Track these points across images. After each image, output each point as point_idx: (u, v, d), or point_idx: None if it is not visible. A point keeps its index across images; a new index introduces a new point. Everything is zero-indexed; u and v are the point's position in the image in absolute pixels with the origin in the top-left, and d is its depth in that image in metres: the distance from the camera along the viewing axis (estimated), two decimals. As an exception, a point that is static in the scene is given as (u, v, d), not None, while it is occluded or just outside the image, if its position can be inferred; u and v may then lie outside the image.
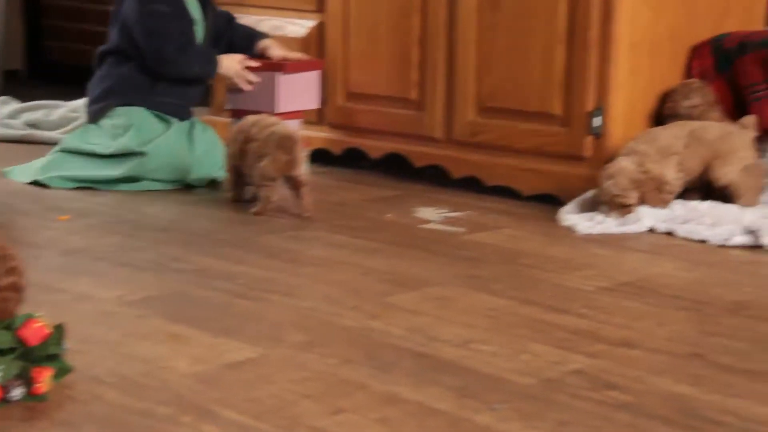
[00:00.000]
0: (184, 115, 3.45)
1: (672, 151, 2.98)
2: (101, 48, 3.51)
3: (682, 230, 2.85)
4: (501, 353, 1.96)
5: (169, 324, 2.09)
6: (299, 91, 3.51)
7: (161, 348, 1.96)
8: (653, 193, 2.94)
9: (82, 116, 3.95)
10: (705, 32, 3.29)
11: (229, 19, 3.63)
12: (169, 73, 3.37)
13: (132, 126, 3.35)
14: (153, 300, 2.24)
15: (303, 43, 3.70)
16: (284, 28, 3.77)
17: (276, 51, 3.53)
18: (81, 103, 4.09)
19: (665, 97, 3.19)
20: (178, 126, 3.38)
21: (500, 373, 1.86)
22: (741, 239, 2.74)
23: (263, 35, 3.59)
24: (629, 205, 2.92)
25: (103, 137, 3.37)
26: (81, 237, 2.75)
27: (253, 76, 3.40)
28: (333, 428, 1.63)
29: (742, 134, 3.01)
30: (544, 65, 3.18)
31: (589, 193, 3.06)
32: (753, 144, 3.03)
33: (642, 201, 2.94)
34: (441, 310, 2.21)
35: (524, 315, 2.18)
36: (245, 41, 3.55)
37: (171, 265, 2.51)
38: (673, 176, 2.97)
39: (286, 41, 3.67)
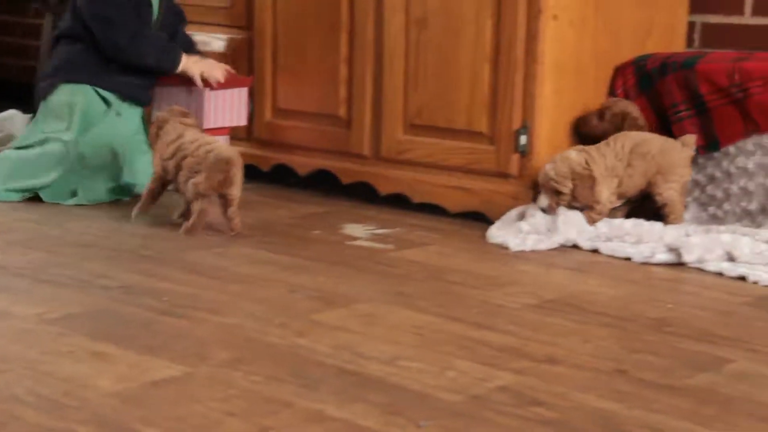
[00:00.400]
0: (142, 97, 3.41)
1: (615, 173, 3.03)
2: (56, 32, 3.48)
3: (606, 248, 2.89)
4: (427, 370, 1.96)
5: (92, 342, 2.05)
6: (227, 108, 3.49)
7: (82, 366, 1.92)
8: (587, 191, 2.98)
9: (6, 129, 3.90)
10: (628, 53, 3.35)
11: (182, 19, 3.59)
12: (123, 61, 3.34)
13: (76, 106, 3.31)
14: (75, 317, 2.20)
15: (229, 59, 3.69)
16: (210, 44, 3.75)
17: (194, 69, 3.49)
18: (6, 115, 4.03)
19: (585, 118, 3.23)
20: (125, 116, 3.36)
21: (427, 390, 1.86)
22: (663, 257, 2.79)
23: (198, 51, 3.57)
24: (561, 194, 2.96)
25: (36, 133, 3.35)
26: (1, 253, 2.69)
27: (214, 80, 3.36)
28: (258, 447, 1.61)
29: (682, 151, 3.08)
30: (471, 83, 3.21)
31: (516, 210, 3.09)
32: (690, 163, 3.09)
33: (573, 196, 2.97)
34: (368, 327, 2.21)
35: (451, 332, 2.19)
36: (183, 48, 3.52)
37: (94, 281, 2.47)
38: (607, 197, 3.02)
39: (213, 56, 3.64)
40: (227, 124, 3.50)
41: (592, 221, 2.99)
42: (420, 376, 1.93)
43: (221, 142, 3.06)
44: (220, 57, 3.68)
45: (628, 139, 3.08)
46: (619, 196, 3.10)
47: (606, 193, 3.02)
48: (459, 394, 1.85)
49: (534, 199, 3.07)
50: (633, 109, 3.22)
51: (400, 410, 1.77)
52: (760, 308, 2.41)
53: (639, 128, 3.17)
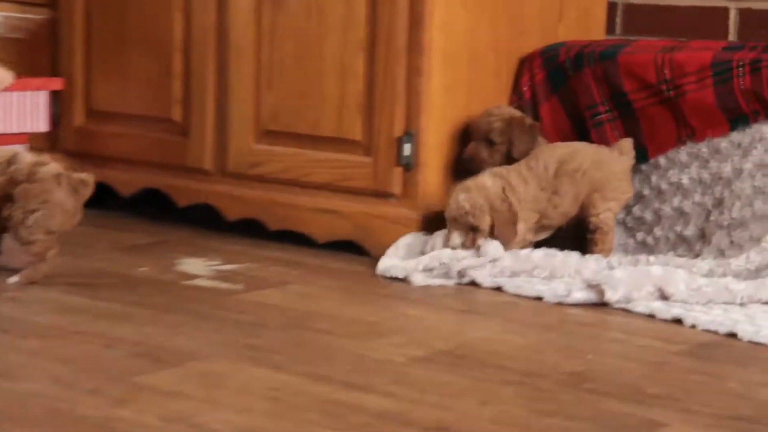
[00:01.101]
0: None
1: (537, 206, 3.08)
2: None
3: (511, 285, 2.92)
4: (285, 445, 1.95)
5: None
6: (21, 111, 3.44)
7: None
8: (508, 227, 3.01)
9: None
10: (536, 41, 3.42)
11: None
12: None
13: None
14: None
15: (29, 45, 3.62)
16: (3, 25, 3.68)
17: None
18: None
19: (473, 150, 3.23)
20: None
21: (284, 471, 1.85)
22: (582, 295, 2.84)
23: None
24: (478, 230, 2.99)
25: None
26: None
27: None
28: None
29: (620, 161, 3.14)
30: (341, 79, 3.22)
31: (407, 239, 3.11)
32: (630, 176, 3.15)
33: (492, 232, 3.01)
34: (209, 391, 2.18)
35: (315, 394, 2.18)
36: None
37: None
38: (523, 233, 3.06)
39: (7, 42, 3.57)
40: (22, 131, 3.43)
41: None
42: (275, 453, 1.92)
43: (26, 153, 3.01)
44: (16, 43, 3.62)
45: (551, 156, 3.12)
46: (544, 229, 3.14)
47: (522, 228, 3.06)
48: (325, 474, 1.84)
49: (447, 239, 3.06)
50: (515, 111, 3.25)
51: (248, 498, 1.74)
52: (699, 358, 2.47)
53: (531, 130, 3.20)
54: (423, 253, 3.07)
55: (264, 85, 3.35)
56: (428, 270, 2.99)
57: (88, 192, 2.90)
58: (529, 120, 3.23)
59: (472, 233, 3.01)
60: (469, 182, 3.04)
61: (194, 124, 3.47)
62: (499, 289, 2.93)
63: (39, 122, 3.50)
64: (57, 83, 3.54)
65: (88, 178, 2.90)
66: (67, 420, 2.03)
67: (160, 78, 3.50)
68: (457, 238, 3.02)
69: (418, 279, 2.96)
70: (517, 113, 3.23)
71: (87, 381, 2.19)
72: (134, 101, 3.56)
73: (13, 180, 2.85)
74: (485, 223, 3.00)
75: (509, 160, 3.16)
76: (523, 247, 3.07)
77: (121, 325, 2.56)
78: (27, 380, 2.19)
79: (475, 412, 2.13)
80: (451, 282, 2.97)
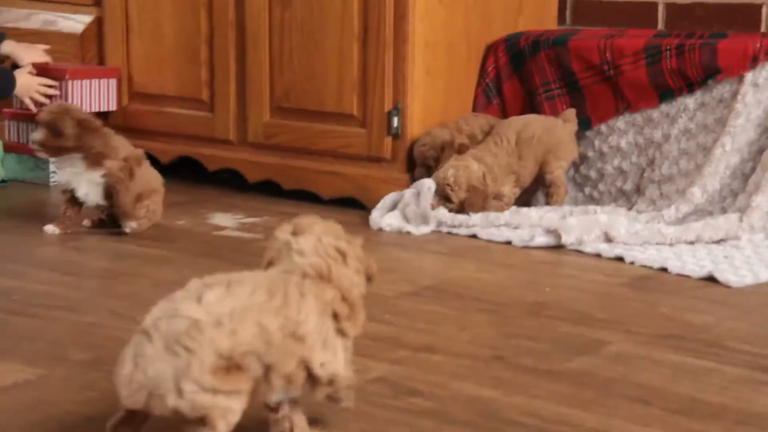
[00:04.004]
0: None
1: (511, 170, 3.08)
2: None
3: (484, 233, 2.93)
4: (301, 364, 1.95)
5: (-65, 347, 1.97)
6: (95, 94, 3.47)
7: (-74, 374, 1.85)
8: (479, 202, 3.02)
9: None
10: (500, 31, 3.41)
11: None
12: None
13: None
14: None
15: (79, 41, 3.60)
16: (57, 23, 3.65)
17: (21, 53, 3.43)
18: None
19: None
20: None
21: (300, 385, 1.85)
22: (543, 240, 2.84)
23: (3, 35, 3.49)
24: (449, 201, 3.00)
25: None
26: None
27: (53, 91, 3.34)
28: (121, 452, 1.57)
29: (565, 127, 3.14)
30: (340, 64, 3.21)
31: (393, 195, 3.11)
32: (574, 138, 3.16)
33: (461, 206, 3.01)
34: (237, 321, 2.18)
35: (324, 323, 2.18)
36: None
37: (-64, 282, 2.38)
38: (510, 190, 3.08)
39: (60, 37, 3.55)
40: (96, 110, 3.45)
41: (497, 210, 3.04)
42: (293, 370, 1.92)
43: None
44: (68, 38, 3.60)
45: (510, 129, 3.12)
46: (519, 187, 3.15)
47: (508, 188, 3.08)
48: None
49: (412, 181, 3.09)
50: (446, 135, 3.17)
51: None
52: (637, 289, 2.49)
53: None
54: (396, 205, 3.06)
55: (276, 70, 3.34)
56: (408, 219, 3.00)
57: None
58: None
59: (443, 200, 3.01)
60: (459, 162, 3.03)
61: (219, 102, 3.45)
62: (474, 236, 2.94)
63: (109, 102, 3.51)
64: (115, 72, 3.55)
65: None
66: (121, 345, 2.02)
67: (190, 65, 3.48)
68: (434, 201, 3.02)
69: (411, 228, 2.97)
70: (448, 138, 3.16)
71: (138, 313, 2.18)
72: (169, 85, 3.54)
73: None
74: (458, 198, 3.00)
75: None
76: (506, 205, 3.08)
77: (165, 267, 2.56)
78: (89, 313, 2.20)
79: (456, 335, 2.14)
80: (427, 229, 2.97)
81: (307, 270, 1.52)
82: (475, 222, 2.97)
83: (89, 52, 3.67)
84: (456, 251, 2.81)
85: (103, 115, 3.35)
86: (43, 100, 3.36)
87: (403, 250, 2.81)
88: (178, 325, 1.40)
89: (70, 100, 3.37)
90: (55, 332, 2.08)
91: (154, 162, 3.57)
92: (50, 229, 2.82)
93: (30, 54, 3.41)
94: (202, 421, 1.38)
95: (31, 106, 3.34)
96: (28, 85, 3.33)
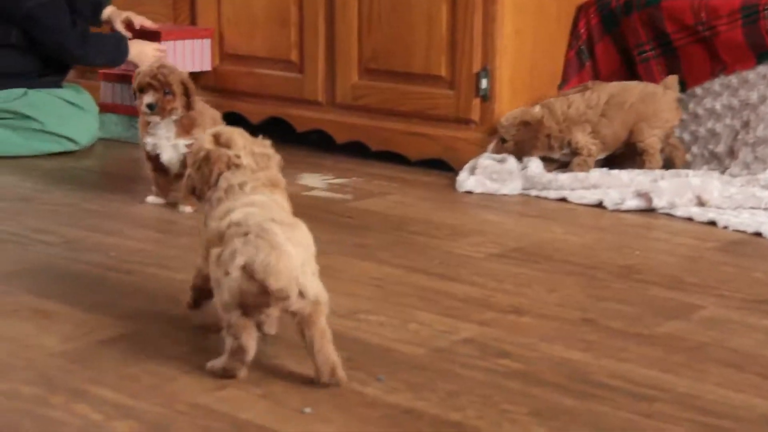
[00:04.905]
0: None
1: (585, 118, 3.04)
2: None
3: (574, 195, 2.90)
4: (388, 323, 1.97)
5: (36, 300, 2.03)
6: (190, 55, 3.52)
7: (27, 325, 1.90)
8: (531, 141, 3.01)
9: None
10: (592, -9, 3.35)
11: None
12: (73, 63, 3.45)
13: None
14: (17, 275, 2.18)
15: (172, 2, 3.64)
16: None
17: (121, 19, 3.51)
18: None
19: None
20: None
21: (388, 344, 1.87)
22: (633, 203, 2.81)
23: (106, 1, 3.55)
24: (503, 141, 3.02)
25: None
26: (-65, 210, 2.66)
27: (164, 56, 3.44)
28: (215, 404, 1.61)
29: (665, 95, 3.08)
30: (429, 25, 3.19)
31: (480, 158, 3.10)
32: (676, 105, 3.10)
33: (518, 146, 3.02)
34: (326, 280, 2.17)
35: (412, 283, 2.20)
36: (89, 9, 3.48)
37: (35, 237, 2.44)
38: (585, 141, 3.03)
39: (152, 6, 3.61)
40: (191, 70, 3.49)
41: (580, 168, 3.01)
42: (380, 330, 1.93)
43: None
44: (161, 2, 3.65)
45: (604, 90, 3.09)
46: (602, 149, 3.10)
47: (581, 137, 3.03)
48: (422, 347, 1.86)
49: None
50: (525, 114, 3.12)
51: (360, 365, 1.77)
52: (729, 253, 2.44)
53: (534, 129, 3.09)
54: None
55: (365, 31, 3.33)
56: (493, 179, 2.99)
57: None
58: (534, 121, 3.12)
59: (500, 143, 3.05)
60: (525, 107, 3.04)
61: (308, 63, 3.46)
62: (563, 199, 2.91)
63: (204, 63, 3.56)
64: (209, 32, 3.59)
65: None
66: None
67: (280, 26, 3.49)
68: (491, 146, 3.07)
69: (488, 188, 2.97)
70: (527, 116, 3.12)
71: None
72: (260, 46, 3.56)
73: None
74: (509, 135, 3.02)
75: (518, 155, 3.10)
76: (588, 158, 3.04)
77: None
78: (181, 270, 2.22)
79: (544, 297, 2.13)
80: (515, 186, 2.97)
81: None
82: (564, 182, 2.94)
83: (182, 14, 3.71)
84: (544, 213, 2.78)
85: (194, 76, 3.38)
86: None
87: (490, 212, 2.80)
88: (291, 228, 1.74)
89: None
90: (150, 288, 2.13)
91: (244, 123, 3.60)
92: (152, 200, 2.80)
93: (122, 18, 3.47)
94: (312, 313, 1.68)
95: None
96: (144, 52, 3.37)
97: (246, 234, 1.68)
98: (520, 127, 3.02)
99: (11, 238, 2.43)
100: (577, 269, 2.31)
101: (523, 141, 3.03)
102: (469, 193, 2.97)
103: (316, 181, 3.08)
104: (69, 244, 2.39)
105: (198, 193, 1.89)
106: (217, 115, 2.88)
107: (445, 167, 3.19)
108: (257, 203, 1.81)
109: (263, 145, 1.94)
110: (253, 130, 3.60)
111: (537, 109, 3.05)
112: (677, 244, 2.52)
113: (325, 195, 2.93)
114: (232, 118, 3.56)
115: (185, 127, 2.75)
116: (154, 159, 2.77)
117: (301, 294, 1.67)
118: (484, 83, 3.13)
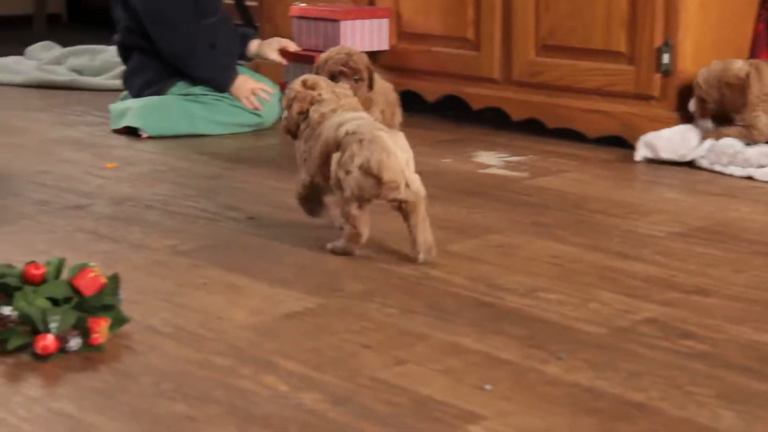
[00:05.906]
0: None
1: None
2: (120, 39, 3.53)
3: (760, 173, 2.80)
4: (568, 302, 1.95)
5: (224, 274, 2.11)
6: (370, 34, 3.57)
7: (217, 298, 1.98)
8: (737, 100, 2.91)
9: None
10: (782, -39, 3.21)
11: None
12: (178, 67, 3.45)
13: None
14: (206, 249, 2.26)
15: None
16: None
17: (277, 47, 3.55)
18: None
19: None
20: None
21: (568, 323, 1.86)
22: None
23: (252, 33, 3.61)
24: (706, 104, 2.93)
25: None
26: (130, 185, 2.78)
27: (266, 96, 3.45)
28: (395, 379, 1.64)
29: None
30: (608, 0, 3.13)
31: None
32: None
33: (723, 106, 2.93)
34: (504, 258, 2.20)
35: (591, 262, 2.17)
36: (236, 42, 3.57)
37: (224, 213, 2.53)
38: (765, 124, 2.92)
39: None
40: (370, 49, 3.53)
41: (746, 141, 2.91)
42: (560, 309, 1.92)
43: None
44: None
45: None
46: None
47: (764, 119, 2.92)
48: (602, 326, 1.84)
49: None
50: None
51: (540, 343, 1.77)
52: None
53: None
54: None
55: (542, 8, 3.29)
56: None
57: None
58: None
59: (700, 105, 2.94)
60: (722, 60, 2.95)
61: (484, 41, 3.45)
62: (749, 178, 2.81)
63: (382, 42, 3.61)
64: (386, 12, 3.62)
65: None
66: (393, 278, 2.09)
67: (457, 4, 3.50)
68: (692, 105, 2.98)
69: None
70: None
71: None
72: (436, 24, 3.57)
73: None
74: (710, 96, 2.92)
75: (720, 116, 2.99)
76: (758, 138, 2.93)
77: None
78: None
79: (730, 278, 2.07)
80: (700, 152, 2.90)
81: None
82: (750, 156, 2.83)
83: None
84: (729, 192, 2.70)
85: (373, 55, 3.42)
86: (255, 103, 3.44)
87: (672, 190, 2.74)
88: (394, 135, 2.14)
89: (342, 42, 3.46)
90: (332, 265, 2.17)
91: (420, 101, 3.63)
92: None
93: (273, 48, 3.52)
94: (415, 201, 2.12)
95: (247, 105, 3.44)
96: (243, 87, 3.42)
97: (360, 141, 2.10)
98: (724, 88, 2.90)
99: (202, 214, 2.53)
100: (765, 249, 2.24)
101: (730, 102, 2.91)
102: (650, 162, 2.91)
103: (492, 159, 3.08)
104: (256, 221, 2.47)
105: (292, 131, 2.32)
106: (388, 86, 2.92)
107: (624, 144, 3.14)
108: (364, 117, 2.23)
109: (344, 88, 2.37)
110: (429, 108, 3.63)
111: (739, 63, 2.92)
112: None
113: (502, 173, 2.93)
114: (409, 96, 3.60)
115: (364, 106, 2.78)
116: None
117: (407, 185, 2.10)
118: (665, 58, 3.05)
